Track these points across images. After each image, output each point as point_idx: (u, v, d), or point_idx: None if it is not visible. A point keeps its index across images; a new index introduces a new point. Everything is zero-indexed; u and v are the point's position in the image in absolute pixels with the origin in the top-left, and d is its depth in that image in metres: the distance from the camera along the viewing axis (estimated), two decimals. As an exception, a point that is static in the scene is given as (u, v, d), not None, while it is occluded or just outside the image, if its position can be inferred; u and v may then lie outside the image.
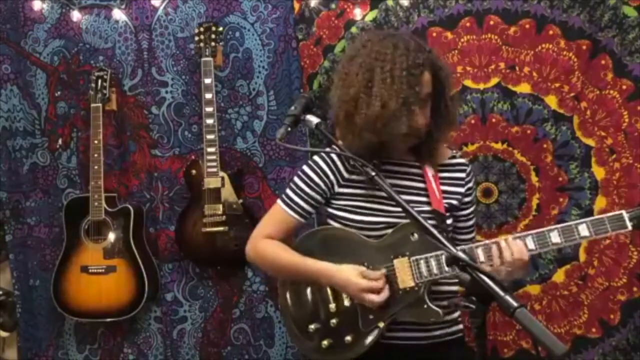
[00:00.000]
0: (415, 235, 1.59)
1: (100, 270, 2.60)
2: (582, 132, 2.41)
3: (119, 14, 2.71)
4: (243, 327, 2.69)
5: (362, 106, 1.56)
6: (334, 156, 1.69)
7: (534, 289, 2.46)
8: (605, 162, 2.39)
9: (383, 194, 1.56)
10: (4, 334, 2.82)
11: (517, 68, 2.43)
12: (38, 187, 2.78)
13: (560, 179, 2.43)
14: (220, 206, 2.51)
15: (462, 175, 1.75)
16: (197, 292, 2.71)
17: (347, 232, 1.68)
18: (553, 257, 2.44)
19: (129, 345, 2.76)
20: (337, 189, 1.69)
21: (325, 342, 1.65)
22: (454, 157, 1.78)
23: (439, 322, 1.65)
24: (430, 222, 1.51)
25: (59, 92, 2.76)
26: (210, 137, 2.51)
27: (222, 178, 2.52)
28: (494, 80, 2.46)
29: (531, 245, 1.50)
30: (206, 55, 2.51)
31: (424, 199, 1.67)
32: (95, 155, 2.58)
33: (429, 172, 1.70)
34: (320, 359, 1.68)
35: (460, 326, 1.77)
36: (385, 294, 1.56)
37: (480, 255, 1.54)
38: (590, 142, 2.41)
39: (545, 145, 2.43)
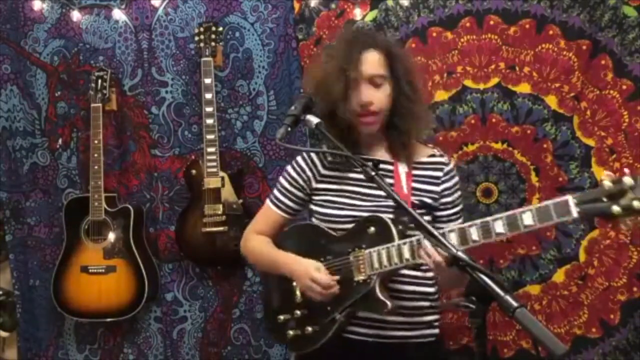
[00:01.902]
0: (372, 229, 1.63)
1: (100, 270, 2.60)
2: (582, 132, 2.41)
3: (119, 14, 2.71)
4: (243, 327, 2.69)
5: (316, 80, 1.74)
6: (312, 153, 1.79)
7: (534, 289, 2.46)
8: (605, 162, 2.39)
9: (354, 188, 1.70)
10: (4, 334, 2.82)
11: (517, 68, 2.43)
12: (38, 187, 2.79)
13: (560, 179, 2.43)
14: (220, 206, 2.51)
15: (439, 174, 1.75)
16: (197, 292, 2.71)
17: (315, 226, 1.76)
18: (553, 257, 2.44)
19: (129, 345, 2.76)
20: (314, 185, 1.77)
21: (290, 332, 1.72)
22: (433, 155, 1.79)
23: (398, 322, 1.67)
24: (388, 215, 1.62)
25: (59, 92, 2.77)
26: (210, 137, 2.51)
27: (222, 178, 2.52)
28: (494, 80, 2.46)
29: (475, 237, 1.43)
30: (206, 55, 2.51)
31: None
32: (95, 155, 2.58)
33: (401, 168, 1.73)
34: (288, 349, 1.76)
35: (436, 331, 1.76)
36: (332, 291, 1.61)
37: (427, 244, 1.50)
38: (590, 142, 2.40)
39: (545, 145, 2.43)
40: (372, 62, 1.68)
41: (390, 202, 1.66)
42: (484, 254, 2.46)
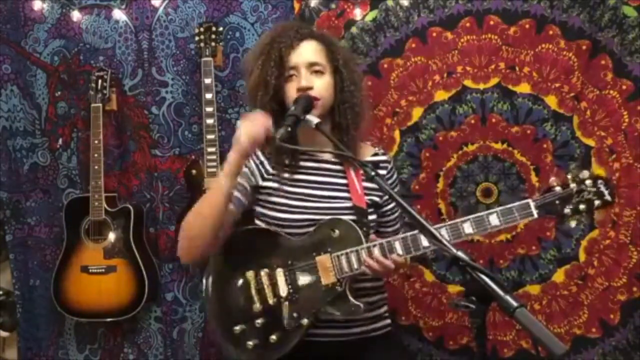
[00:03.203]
0: (337, 232, 1.62)
1: (101, 270, 2.60)
2: (582, 132, 2.41)
3: (119, 14, 2.71)
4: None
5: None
6: (257, 152, 1.72)
7: (534, 289, 2.46)
8: (605, 162, 2.39)
9: (304, 190, 1.68)
10: (4, 334, 2.82)
11: (517, 68, 2.43)
12: (38, 187, 2.78)
13: (560, 179, 2.43)
14: (221, 206, 2.51)
15: (383, 172, 1.78)
16: (197, 292, 2.71)
17: (269, 231, 1.70)
18: (553, 257, 2.44)
19: (129, 345, 2.76)
20: (260, 182, 1.72)
21: (250, 343, 1.65)
22: (376, 154, 1.81)
23: (359, 319, 1.68)
24: (350, 217, 1.62)
25: (59, 92, 2.77)
26: (211, 137, 2.51)
27: (222, 178, 2.52)
28: (494, 80, 2.45)
29: (446, 237, 1.49)
30: (206, 55, 2.51)
31: (345, 194, 1.71)
32: (96, 155, 2.58)
33: (351, 168, 1.73)
34: None
35: (388, 321, 1.81)
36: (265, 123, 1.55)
37: (398, 248, 1.56)
38: (590, 142, 2.41)
39: (545, 145, 2.43)
40: (312, 50, 1.70)
41: (347, 203, 1.68)
42: (484, 254, 2.47)
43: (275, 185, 1.72)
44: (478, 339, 1.23)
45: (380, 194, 1.73)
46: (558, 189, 1.50)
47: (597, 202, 1.50)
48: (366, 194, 1.71)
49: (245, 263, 1.69)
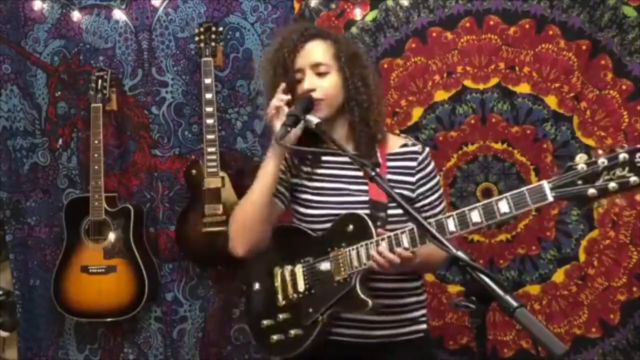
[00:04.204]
0: (350, 227, 1.61)
1: (101, 270, 2.60)
2: (582, 132, 2.41)
3: (119, 14, 2.71)
4: (243, 327, 2.69)
5: None
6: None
7: (534, 289, 2.46)
8: (605, 162, 2.39)
9: (323, 184, 1.68)
10: (4, 334, 2.82)
11: (517, 68, 2.43)
12: (38, 187, 2.79)
13: (560, 179, 2.43)
14: (221, 206, 2.51)
15: (413, 164, 1.72)
16: (197, 292, 2.71)
17: (293, 228, 1.73)
18: (553, 257, 2.44)
19: (129, 345, 2.76)
20: (292, 179, 1.73)
21: (274, 337, 1.68)
22: (405, 145, 1.76)
23: (382, 321, 1.66)
24: (364, 211, 1.60)
25: (59, 92, 2.77)
26: (211, 137, 2.51)
27: (222, 178, 2.52)
28: (494, 80, 2.46)
29: (452, 228, 1.42)
30: (206, 55, 2.51)
31: (363, 187, 1.68)
32: (96, 155, 2.58)
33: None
34: (271, 354, 1.72)
35: (423, 326, 1.74)
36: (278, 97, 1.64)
37: (404, 241, 1.51)
38: (590, 142, 2.41)
39: (545, 145, 2.43)
40: (316, 50, 1.69)
41: (364, 197, 1.66)
42: (484, 254, 2.47)
43: (299, 180, 1.73)
44: (478, 339, 1.23)
45: (408, 187, 1.69)
46: (581, 166, 1.24)
47: (633, 180, 1.23)
48: (391, 187, 1.68)
49: (274, 260, 1.72)
